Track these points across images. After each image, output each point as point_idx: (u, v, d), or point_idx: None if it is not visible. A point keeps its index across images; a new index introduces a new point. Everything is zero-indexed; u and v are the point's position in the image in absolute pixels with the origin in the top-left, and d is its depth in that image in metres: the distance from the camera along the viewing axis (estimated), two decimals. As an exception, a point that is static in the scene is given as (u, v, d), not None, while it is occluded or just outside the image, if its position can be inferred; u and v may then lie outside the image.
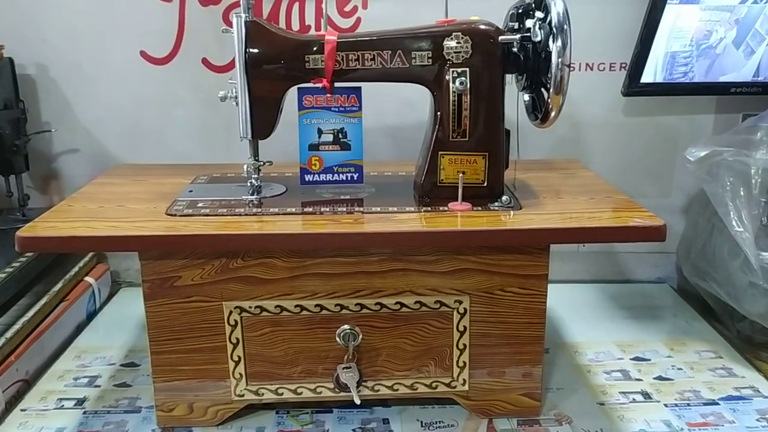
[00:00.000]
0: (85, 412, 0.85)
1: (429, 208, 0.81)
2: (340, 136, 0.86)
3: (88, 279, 1.12)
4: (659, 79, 1.07)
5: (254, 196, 0.85)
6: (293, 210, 0.81)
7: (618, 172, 1.12)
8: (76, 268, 1.10)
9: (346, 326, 0.79)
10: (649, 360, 0.98)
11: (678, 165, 1.18)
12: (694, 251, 1.10)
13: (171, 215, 0.79)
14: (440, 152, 0.83)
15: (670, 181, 1.20)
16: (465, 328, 0.80)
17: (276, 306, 0.78)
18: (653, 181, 1.19)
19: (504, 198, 0.82)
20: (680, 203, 1.20)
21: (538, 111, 0.84)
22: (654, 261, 1.24)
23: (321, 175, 0.87)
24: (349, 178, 0.88)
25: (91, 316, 1.10)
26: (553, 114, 0.81)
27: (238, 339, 0.79)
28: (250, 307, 0.78)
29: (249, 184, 0.87)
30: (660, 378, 0.93)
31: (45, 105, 1.14)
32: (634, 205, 0.82)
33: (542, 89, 0.83)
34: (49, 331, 0.98)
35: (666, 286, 1.23)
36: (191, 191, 0.88)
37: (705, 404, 0.87)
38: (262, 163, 0.87)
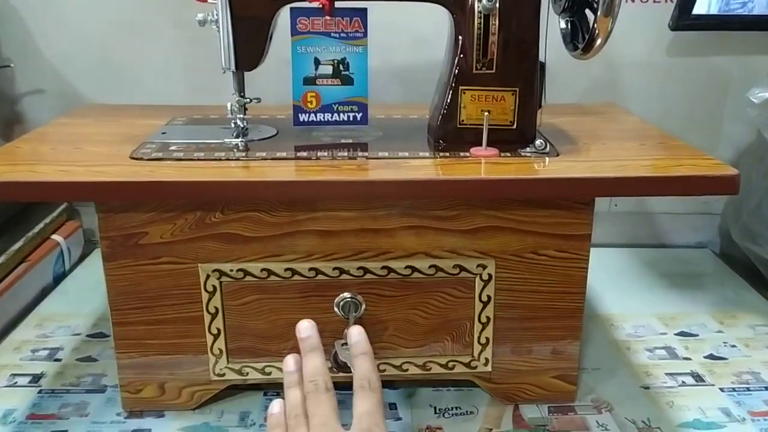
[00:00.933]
0: (40, 391, 0.73)
1: (447, 154, 0.67)
2: (341, 67, 0.72)
3: (56, 237, 0.99)
4: (714, 11, 0.92)
5: (239, 139, 0.72)
6: (285, 155, 0.67)
7: (659, 120, 0.96)
8: (41, 225, 0.96)
9: (346, 294, 0.66)
10: (697, 336, 0.85)
11: (727, 113, 1.04)
12: (745, 211, 0.96)
13: (136, 159, 0.65)
14: (461, 87, 0.69)
15: (718, 131, 1.05)
16: (489, 297, 0.67)
17: (262, 269, 0.65)
18: (699, 130, 1.04)
19: (538, 143, 0.68)
20: (729, 156, 1.05)
21: (580, 39, 0.70)
22: (694, 223, 1.10)
23: (318, 115, 0.73)
24: (351, 119, 0.74)
25: (59, 279, 0.97)
26: (599, 41, 0.68)
27: (217, 308, 0.66)
28: (231, 271, 0.65)
29: (233, 125, 0.73)
30: (711, 357, 0.80)
31: (5, 38, 0.99)
32: (694, 152, 0.68)
33: (587, 11, 0.69)
34: (7, 296, 0.85)
35: (707, 251, 1.09)
36: (164, 133, 0.74)
37: (767, 388, 0.74)
38: (248, 100, 0.73)
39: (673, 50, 1.01)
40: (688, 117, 1.04)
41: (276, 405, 0.58)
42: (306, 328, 0.60)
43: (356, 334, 0.60)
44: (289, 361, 0.59)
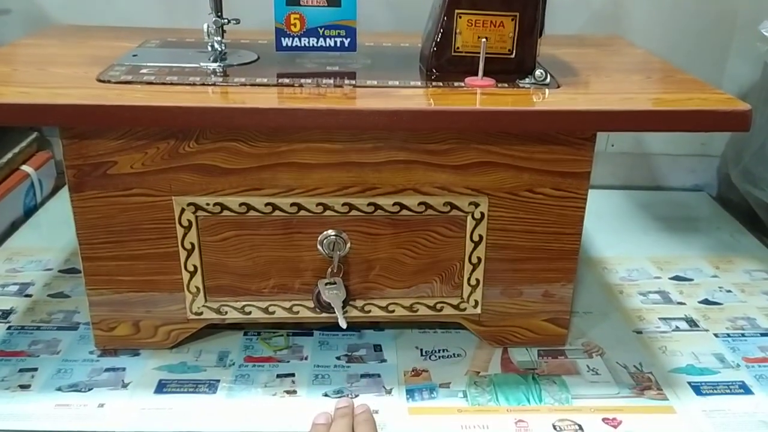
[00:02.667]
0: (9, 327, 0.70)
1: (440, 84, 0.62)
2: (328, -14, 0.66)
3: (26, 168, 0.94)
4: (727, -63, 0.86)
5: (216, 64, 0.66)
6: (265, 81, 0.62)
7: (661, 55, 0.93)
8: (9, 155, 0.91)
9: (330, 232, 0.62)
10: (692, 280, 0.82)
11: (733, 49, 0.99)
12: (747, 154, 0.93)
13: (104, 82, 0.60)
14: (457, 11, 0.63)
15: (723, 68, 1.00)
16: (481, 237, 0.63)
17: (241, 204, 0.61)
18: (702, 67, 0.99)
19: (538, 73, 0.63)
20: (732, 94, 1.00)
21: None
22: (692, 165, 1.07)
23: (302, 39, 0.68)
24: (338, 44, 0.68)
25: (29, 213, 0.93)
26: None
27: (193, 244, 0.62)
28: (208, 205, 0.61)
29: (210, 48, 0.68)
30: (706, 302, 0.78)
31: (-36, -49, 0.92)
32: (704, 86, 0.64)
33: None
34: (-26, 229, 0.81)
35: (704, 194, 1.06)
36: (135, 55, 0.69)
37: (762, 335, 0.72)
38: (226, 21, 0.67)
39: (681, -20, 0.96)
40: (692, 53, 0.99)
41: None
42: (344, 400, 0.60)
43: (359, 406, 0.60)
44: (321, 416, 0.58)
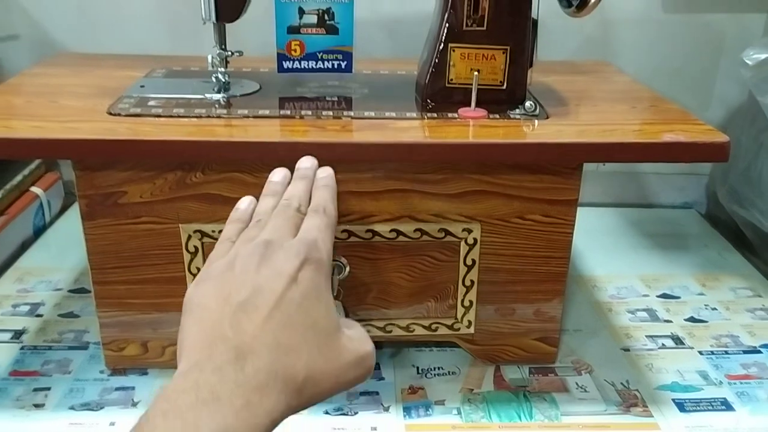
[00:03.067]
0: (22, 347, 0.72)
1: (435, 115, 0.66)
2: (326, 17, 0.69)
3: (35, 189, 0.97)
4: (712, -33, 0.89)
5: (220, 95, 0.69)
6: (267, 112, 0.65)
7: (650, 78, 0.95)
8: (19, 177, 0.94)
9: (330, 256, 0.65)
10: (679, 298, 0.85)
11: (721, 73, 1.02)
12: (733, 174, 0.96)
13: (114, 115, 0.63)
14: (451, 45, 0.66)
15: (710, 91, 1.04)
16: (474, 261, 0.66)
17: (245, 230, 0.64)
18: (690, 90, 1.03)
19: (528, 104, 0.67)
20: (720, 116, 1.04)
21: (574, -4, 0.68)
22: (681, 184, 1.10)
23: (302, 62, 0.71)
24: (335, 66, 0.71)
25: (39, 233, 0.96)
26: (593, 0, 0.65)
27: (199, 269, 0.65)
28: (213, 231, 0.64)
29: (214, 79, 0.71)
30: (692, 319, 0.81)
31: (-25, -20, 0.96)
32: (686, 116, 0.67)
33: (582, -33, 0.66)
34: (-14, 250, 0.84)
35: (693, 212, 1.09)
36: (143, 86, 0.72)
37: (745, 352, 0.75)
38: (230, 53, 0.70)
39: (669, 6, 0.99)
40: (680, 75, 1.02)
41: (245, 201, 0.55)
42: (307, 159, 0.57)
43: (322, 169, 0.56)
44: (278, 173, 0.56)
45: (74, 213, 1.02)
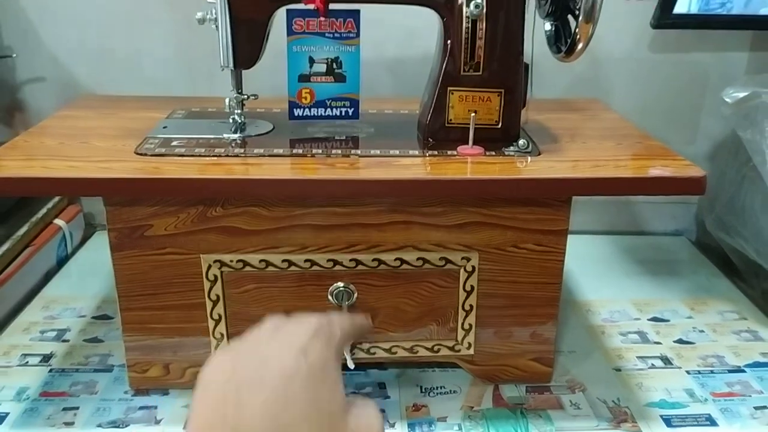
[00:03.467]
0: (51, 370, 0.77)
1: (435, 152, 0.71)
2: (335, 66, 0.75)
3: (58, 222, 1.02)
4: (694, 11, 0.96)
5: (237, 135, 0.75)
6: (281, 151, 0.71)
7: (639, 114, 1.01)
8: (44, 210, 1.00)
9: (339, 284, 0.71)
10: (668, 321, 0.90)
11: (705, 108, 1.08)
12: (719, 203, 1.01)
13: (141, 155, 0.69)
14: (449, 88, 0.72)
15: (696, 125, 1.09)
16: (472, 287, 0.72)
17: (261, 260, 0.69)
18: (677, 125, 1.09)
19: (521, 142, 0.72)
20: (705, 150, 1.10)
21: (563, 42, 0.74)
22: (672, 212, 1.15)
23: (312, 110, 0.77)
24: (343, 113, 0.77)
25: (62, 263, 1.01)
26: (580, 46, 0.71)
27: (218, 296, 0.70)
28: (232, 261, 0.69)
29: (231, 120, 0.77)
30: (680, 341, 0.86)
31: (6, 28, 1.02)
32: (667, 152, 0.73)
33: (569, 16, 0.72)
34: (14, 279, 0.89)
35: (684, 239, 1.14)
36: (165, 127, 0.78)
37: (730, 371, 0.80)
38: (246, 96, 0.76)
39: (655, 47, 1.05)
40: (668, 111, 1.08)
41: None
42: None
43: None
44: None
45: (94, 244, 1.08)
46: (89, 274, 0.98)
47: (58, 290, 0.94)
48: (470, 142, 0.72)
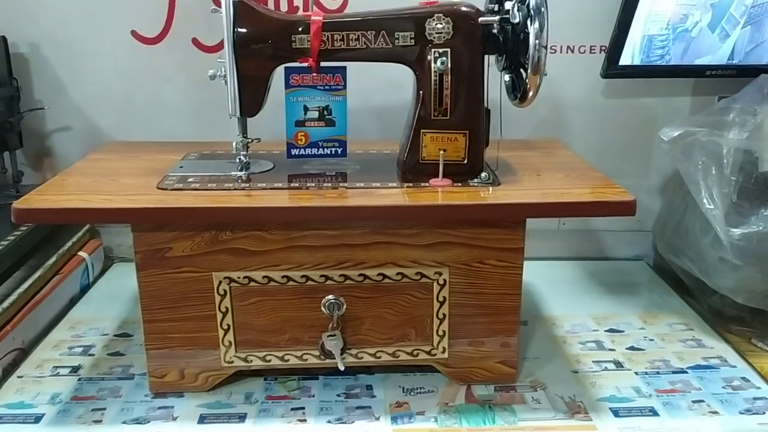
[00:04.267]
0: (80, 379, 0.89)
1: (411, 184, 0.84)
2: (325, 113, 0.89)
3: (82, 253, 1.15)
4: (637, 62, 1.10)
5: (243, 172, 0.88)
6: (280, 185, 0.84)
7: (597, 152, 1.15)
8: (69, 243, 1.12)
9: (330, 296, 0.83)
10: (623, 332, 1.02)
11: (655, 146, 1.22)
12: (668, 229, 1.14)
13: (162, 189, 0.82)
14: (422, 130, 0.86)
15: (648, 161, 1.23)
16: (444, 298, 0.84)
17: (264, 276, 0.81)
18: (631, 161, 1.23)
19: (483, 174, 0.85)
20: (657, 183, 1.23)
21: (518, 91, 0.87)
22: (631, 239, 1.28)
23: (307, 150, 0.91)
24: (333, 152, 0.91)
25: (84, 290, 1.13)
26: (531, 93, 0.84)
27: (227, 308, 0.82)
28: (239, 278, 0.81)
29: (238, 160, 0.89)
30: (632, 348, 0.97)
31: (38, 83, 1.16)
32: (607, 182, 0.86)
33: (521, 69, 0.86)
34: (44, 303, 1.01)
35: (643, 263, 1.27)
36: (182, 167, 0.91)
37: (674, 372, 0.91)
38: (250, 140, 0.89)
39: (608, 92, 1.20)
40: (623, 149, 1.22)
41: None
42: None
43: None
44: None
45: (113, 274, 1.20)
46: (109, 300, 1.09)
47: (82, 313, 1.06)
48: (440, 175, 0.85)
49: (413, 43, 0.83)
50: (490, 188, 0.84)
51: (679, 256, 1.10)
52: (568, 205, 0.79)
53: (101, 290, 1.14)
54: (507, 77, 0.91)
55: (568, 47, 1.16)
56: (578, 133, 1.21)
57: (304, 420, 0.81)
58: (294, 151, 0.91)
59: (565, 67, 1.16)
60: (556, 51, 1.15)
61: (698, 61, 1.11)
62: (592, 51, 1.17)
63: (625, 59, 1.10)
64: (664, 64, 1.11)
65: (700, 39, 1.09)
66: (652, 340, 1.00)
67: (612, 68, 1.11)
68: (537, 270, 1.16)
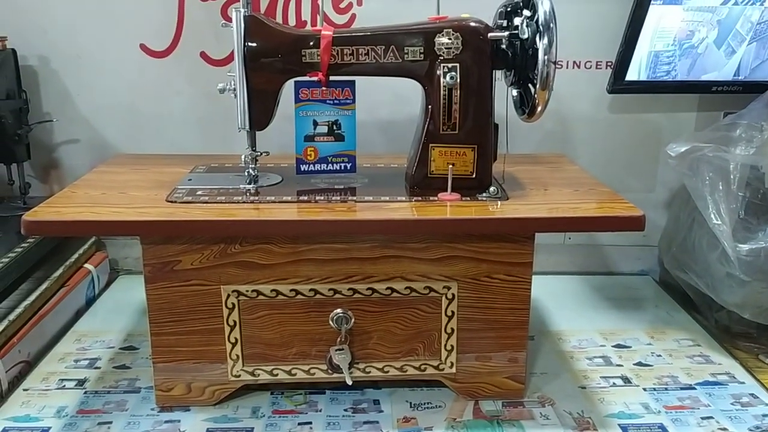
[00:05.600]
0: (85, 392, 0.88)
1: (419, 198, 0.84)
2: (335, 127, 0.89)
3: (88, 266, 1.15)
4: (643, 78, 1.11)
5: (251, 185, 0.88)
6: (289, 198, 0.84)
7: (603, 166, 1.16)
8: (75, 255, 1.12)
9: (339, 310, 0.82)
10: (630, 347, 1.01)
11: (661, 161, 1.22)
12: (675, 244, 1.14)
13: (171, 202, 0.82)
14: (431, 144, 0.86)
15: (654, 176, 1.23)
16: (453, 313, 0.83)
17: (272, 290, 0.81)
18: (637, 176, 1.23)
19: (492, 189, 0.86)
20: (663, 198, 1.24)
21: (526, 106, 0.88)
22: (637, 254, 1.28)
23: (316, 165, 0.91)
24: (342, 168, 0.91)
25: (90, 302, 1.13)
26: (539, 109, 0.84)
27: (235, 321, 0.82)
28: (247, 291, 0.81)
29: (246, 173, 0.90)
30: (640, 364, 0.97)
31: (46, 96, 1.17)
32: (615, 197, 0.86)
33: (529, 85, 0.86)
34: (50, 315, 1.00)
35: (648, 278, 1.27)
36: (190, 180, 0.91)
37: (682, 389, 0.91)
38: (259, 153, 0.90)
39: (614, 107, 1.20)
40: (628, 164, 1.22)
41: None
42: None
43: None
44: None
45: (118, 286, 1.20)
46: (114, 312, 1.09)
47: (87, 326, 1.06)
48: (449, 189, 0.85)
49: (422, 58, 0.84)
50: (499, 202, 0.84)
51: (686, 272, 1.09)
52: (578, 220, 0.79)
53: (107, 303, 1.14)
54: (515, 92, 0.91)
55: (574, 62, 1.17)
56: (584, 148, 1.21)
57: (312, 435, 0.80)
58: (303, 167, 0.91)
59: (571, 82, 1.16)
60: (562, 66, 1.16)
61: (704, 77, 1.12)
62: (598, 66, 1.17)
63: (631, 75, 1.10)
64: (670, 79, 1.11)
65: (707, 55, 1.09)
66: (659, 355, 0.99)
67: (618, 83, 1.11)
68: (543, 284, 1.16)
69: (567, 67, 1.17)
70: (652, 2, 1.04)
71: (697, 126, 1.21)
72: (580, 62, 1.17)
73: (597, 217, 0.79)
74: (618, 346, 1.02)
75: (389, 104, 1.17)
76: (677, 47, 1.08)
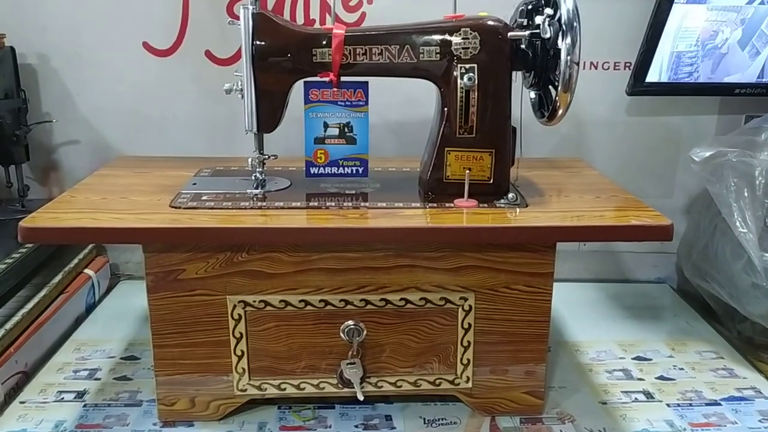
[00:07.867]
0: (85, 405, 0.85)
1: (434, 205, 0.81)
2: (346, 130, 0.86)
3: (88, 271, 1.11)
4: (664, 79, 1.07)
5: (259, 190, 0.85)
6: (298, 204, 0.80)
7: (620, 171, 1.12)
8: (75, 261, 1.09)
9: (350, 322, 0.79)
10: (651, 360, 0.98)
11: (680, 165, 1.18)
12: (695, 252, 1.10)
13: (175, 208, 0.78)
14: (446, 148, 0.82)
15: (672, 181, 1.20)
16: (469, 325, 0.80)
17: (280, 301, 0.78)
18: (655, 180, 1.19)
19: (510, 195, 0.82)
20: (682, 203, 1.20)
21: (545, 108, 0.84)
22: (654, 261, 1.24)
23: (326, 168, 0.87)
24: (354, 172, 0.87)
25: (90, 309, 1.09)
26: (560, 112, 0.81)
27: (241, 333, 0.78)
28: (254, 302, 0.78)
29: (253, 177, 0.86)
30: (662, 378, 0.93)
31: (46, 95, 1.13)
32: (639, 204, 0.82)
33: (550, 87, 0.83)
34: (49, 324, 0.97)
35: (666, 286, 1.23)
36: (195, 184, 0.87)
37: (707, 404, 0.87)
38: (266, 156, 0.86)
39: (632, 110, 1.16)
40: (646, 168, 1.19)
41: None
42: None
43: None
44: None
45: (119, 292, 1.16)
46: (115, 320, 1.06)
47: (87, 334, 1.02)
48: (465, 195, 0.81)
49: (438, 58, 0.80)
50: (518, 210, 0.80)
51: (707, 281, 1.06)
52: (603, 229, 0.75)
53: (107, 309, 1.10)
54: (533, 94, 0.88)
55: (592, 63, 1.13)
56: (600, 152, 1.17)
57: (322, 453, 0.77)
58: (313, 170, 0.87)
59: (589, 84, 1.12)
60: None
61: (727, 79, 1.08)
62: (617, 68, 1.13)
63: (652, 76, 1.06)
64: (692, 81, 1.07)
65: (730, 56, 1.05)
66: (681, 369, 0.95)
67: (638, 85, 1.07)
68: (557, 291, 1.10)
69: (584, 68, 1.13)
70: (675, 1, 1.00)
71: (717, 129, 1.17)
72: (597, 63, 1.13)
73: (623, 227, 0.75)
74: (638, 358, 0.98)
75: (399, 106, 1.13)
76: (700, 48, 1.05)
